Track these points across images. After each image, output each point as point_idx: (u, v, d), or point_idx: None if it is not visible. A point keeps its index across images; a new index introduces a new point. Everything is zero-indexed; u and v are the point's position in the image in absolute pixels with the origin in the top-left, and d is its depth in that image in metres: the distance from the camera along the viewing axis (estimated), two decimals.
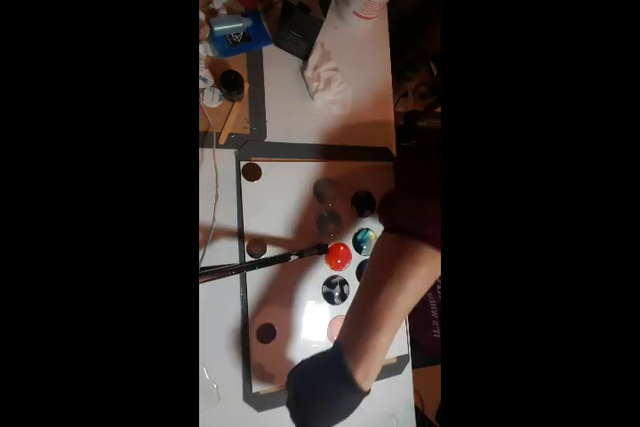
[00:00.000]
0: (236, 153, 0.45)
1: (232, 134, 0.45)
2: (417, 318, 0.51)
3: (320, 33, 0.45)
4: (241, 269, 0.39)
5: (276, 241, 0.45)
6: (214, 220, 0.40)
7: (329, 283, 0.48)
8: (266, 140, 0.47)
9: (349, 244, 0.50)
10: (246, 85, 0.46)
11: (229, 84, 0.42)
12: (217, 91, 0.44)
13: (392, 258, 0.33)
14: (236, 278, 0.43)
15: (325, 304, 0.47)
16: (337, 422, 0.32)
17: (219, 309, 0.42)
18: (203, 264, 0.40)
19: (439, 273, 0.33)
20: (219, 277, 0.38)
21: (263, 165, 0.45)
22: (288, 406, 0.36)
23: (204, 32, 0.44)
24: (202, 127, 0.43)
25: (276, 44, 0.48)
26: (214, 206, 0.40)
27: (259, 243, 0.44)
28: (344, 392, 0.31)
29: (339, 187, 0.49)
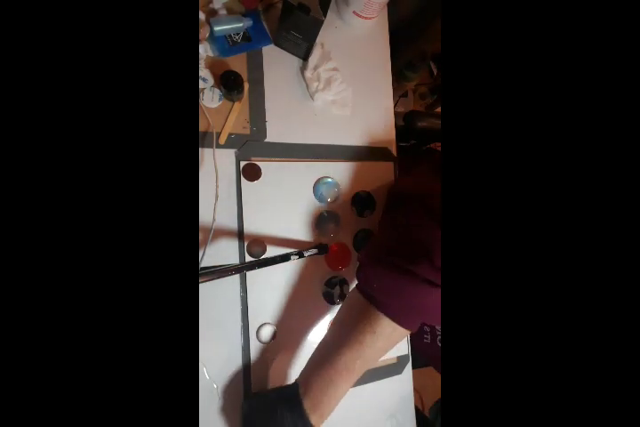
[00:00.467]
0: (236, 153, 0.45)
1: (232, 134, 0.45)
2: None
3: (320, 33, 0.45)
4: (241, 269, 0.39)
5: (275, 241, 0.45)
6: (214, 220, 0.40)
7: (329, 283, 0.48)
8: (266, 141, 0.47)
9: (349, 244, 0.50)
10: (246, 85, 0.46)
11: (229, 84, 0.42)
12: (217, 91, 0.44)
13: (355, 323, 0.36)
14: (235, 278, 0.43)
15: (325, 304, 0.47)
16: None
17: (219, 309, 0.42)
18: (203, 264, 0.40)
19: (396, 343, 0.38)
20: (219, 277, 0.38)
21: (263, 165, 0.45)
22: None
23: (203, 32, 0.44)
24: (202, 127, 0.43)
25: (276, 44, 0.48)
26: (214, 206, 0.40)
27: (259, 243, 0.44)
28: None
29: (339, 187, 0.49)
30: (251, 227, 0.44)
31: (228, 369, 0.42)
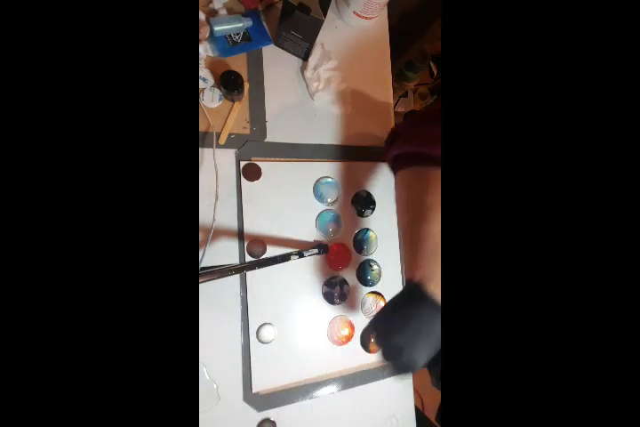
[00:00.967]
0: (236, 153, 0.45)
1: (232, 134, 0.45)
2: None
3: (320, 33, 0.45)
4: (241, 269, 0.39)
5: (275, 241, 0.45)
6: (214, 220, 0.40)
7: (329, 283, 0.48)
8: (266, 140, 0.47)
9: (349, 244, 0.50)
10: (246, 85, 0.46)
11: (229, 84, 0.42)
12: (217, 91, 0.44)
13: (417, 195, 0.35)
14: (235, 278, 0.43)
15: (325, 304, 0.47)
16: (433, 346, 0.31)
17: (219, 309, 0.42)
18: (203, 264, 0.40)
19: None
20: (219, 277, 0.38)
21: (263, 165, 0.45)
22: (380, 344, 0.34)
23: (203, 32, 0.44)
24: (202, 127, 0.43)
25: (276, 44, 0.48)
26: (214, 206, 0.40)
27: (259, 243, 0.44)
28: (433, 313, 0.30)
29: (339, 187, 0.49)
30: (251, 227, 0.44)
31: (227, 369, 0.42)
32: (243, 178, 0.44)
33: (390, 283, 0.51)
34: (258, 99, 0.47)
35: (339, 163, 0.50)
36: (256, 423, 0.42)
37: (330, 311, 0.47)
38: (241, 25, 0.45)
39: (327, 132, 0.50)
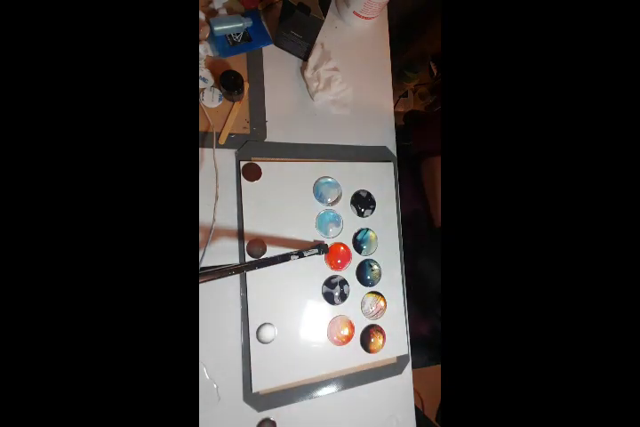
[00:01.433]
0: (236, 153, 0.45)
1: (232, 134, 0.45)
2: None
3: (320, 33, 0.45)
4: (241, 269, 0.39)
5: (276, 241, 0.45)
6: (214, 220, 0.40)
7: (329, 283, 0.48)
8: (266, 140, 0.47)
9: (349, 244, 0.50)
10: (246, 85, 0.46)
11: (229, 84, 0.42)
12: (217, 91, 0.44)
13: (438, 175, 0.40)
14: (235, 278, 0.43)
15: (325, 304, 0.47)
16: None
17: (219, 309, 0.42)
18: (203, 264, 0.40)
19: None
20: (219, 277, 0.38)
21: (263, 165, 0.45)
22: None
23: (203, 32, 0.43)
24: (202, 127, 0.43)
25: (276, 44, 0.48)
26: (214, 206, 0.40)
27: (259, 243, 0.44)
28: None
29: (339, 187, 0.49)
30: (251, 227, 0.44)
31: (227, 369, 0.42)
32: (243, 178, 0.44)
33: (390, 283, 0.51)
34: (258, 99, 0.47)
35: (339, 163, 0.50)
36: (256, 423, 0.42)
37: (330, 311, 0.47)
38: (241, 25, 0.45)
39: (327, 132, 0.50)
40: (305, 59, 0.49)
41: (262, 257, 0.44)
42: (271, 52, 0.48)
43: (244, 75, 0.46)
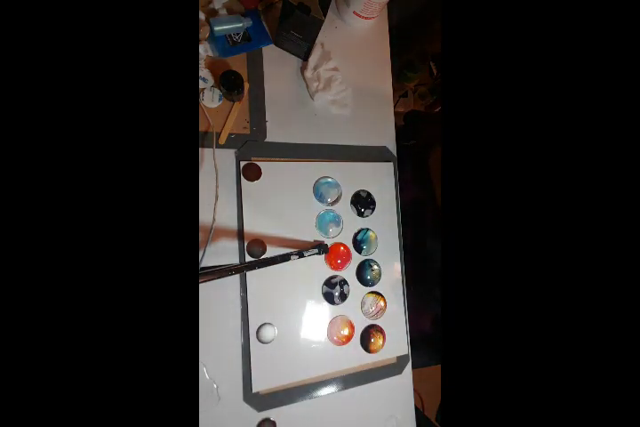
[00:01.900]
0: (236, 153, 0.45)
1: (232, 134, 0.45)
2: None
3: (320, 33, 0.45)
4: (241, 269, 0.39)
5: (275, 241, 0.45)
6: (214, 220, 0.40)
7: (329, 283, 0.48)
8: (266, 140, 0.47)
9: (349, 244, 0.50)
10: (246, 85, 0.46)
11: (229, 84, 0.42)
12: (217, 91, 0.44)
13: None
14: (235, 278, 0.43)
15: (325, 304, 0.47)
16: None
17: (219, 309, 0.42)
18: (203, 264, 0.40)
19: None
20: (219, 277, 0.38)
21: (263, 165, 0.45)
22: None
23: (204, 32, 0.44)
24: (202, 127, 0.43)
25: (276, 44, 0.48)
26: (214, 206, 0.40)
27: (259, 243, 0.44)
28: None
29: (339, 187, 0.49)
30: (251, 227, 0.44)
31: (227, 369, 0.42)
32: (243, 178, 0.44)
33: (390, 283, 0.51)
34: (258, 99, 0.47)
35: (339, 163, 0.50)
36: (256, 423, 0.42)
37: (330, 311, 0.47)
38: (241, 25, 0.45)
39: (327, 132, 0.50)
40: (305, 59, 0.49)
41: (262, 257, 0.44)
42: (271, 52, 0.48)
43: (244, 75, 0.46)
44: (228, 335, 0.42)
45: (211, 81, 0.44)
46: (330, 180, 0.49)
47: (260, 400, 0.43)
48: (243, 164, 0.45)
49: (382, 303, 0.51)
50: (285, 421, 0.44)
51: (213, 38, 0.45)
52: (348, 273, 0.49)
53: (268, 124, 0.47)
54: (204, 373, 0.40)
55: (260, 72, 0.48)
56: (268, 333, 0.44)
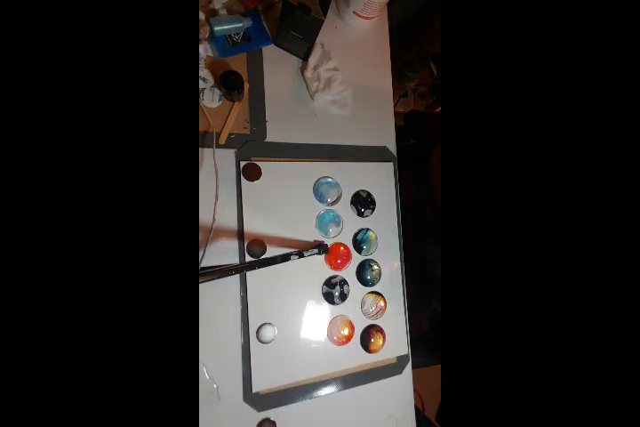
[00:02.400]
0: (235, 153, 0.45)
1: (232, 134, 0.45)
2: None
3: (320, 33, 0.45)
4: (241, 269, 0.39)
5: (275, 241, 0.45)
6: (214, 220, 0.40)
7: (329, 283, 0.48)
8: (266, 140, 0.47)
9: (349, 244, 0.50)
10: (246, 85, 0.46)
11: (229, 84, 0.42)
12: (217, 91, 0.44)
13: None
14: (235, 278, 0.43)
15: (325, 304, 0.47)
16: None
17: (219, 309, 0.42)
18: (203, 264, 0.40)
19: None
20: (219, 277, 0.38)
21: (263, 165, 0.45)
22: None
23: (204, 32, 0.43)
24: (202, 127, 0.43)
25: (276, 44, 0.48)
26: (214, 206, 0.40)
27: (259, 243, 0.44)
28: None
29: (339, 187, 0.49)
30: (251, 227, 0.44)
31: (227, 369, 0.42)
32: (243, 178, 0.44)
33: (390, 283, 0.51)
34: (258, 99, 0.47)
35: (339, 163, 0.50)
36: (256, 423, 0.42)
37: (330, 311, 0.47)
38: (241, 25, 0.45)
39: (327, 132, 0.50)
40: (305, 59, 0.49)
41: (262, 257, 0.44)
42: (271, 52, 0.48)
43: (244, 75, 0.46)
44: (228, 335, 0.42)
45: (211, 81, 0.44)
46: (330, 180, 0.49)
47: (259, 400, 0.43)
48: (243, 164, 0.45)
49: (382, 303, 0.51)
50: (285, 421, 0.44)
51: (213, 38, 0.45)
52: (348, 273, 0.49)
53: (268, 124, 0.47)
54: (204, 373, 0.40)
55: (260, 72, 0.48)
56: (267, 333, 0.44)
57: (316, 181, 0.48)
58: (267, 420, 0.43)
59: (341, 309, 0.48)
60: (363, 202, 0.51)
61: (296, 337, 0.45)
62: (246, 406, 0.42)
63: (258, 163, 0.45)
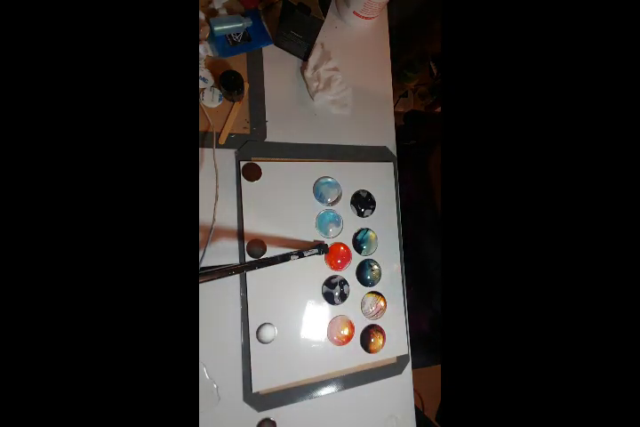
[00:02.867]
0: (235, 153, 0.45)
1: (232, 134, 0.45)
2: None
3: (320, 33, 0.45)
4: (241, 269, 0.39)
5: (276, 241, 0.45)
6: (214, 220, 0.40)
7: (329, 283, 0.48)
8: (266, 140, 0.47)
9: (349, 244, 0.50)
10: (246, 85, 0.46)
11: (229, 84, 0.42)
12: (217, 91, 0.44)
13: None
14: (235, 278, 0.43)
15: (325, 304, 0.47)
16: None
17: (219, 309, 0.42)
18: (203, 264, 0.40)
19: None
20: (219, 277, 0.38)
21: (263, 165, 0.45)
22: None
23: (204, 32, 0.43)
24: (202, 127, 0.43)
25: (276, 44, 0.48)
26: (214, 206, 0.40)
27: (259, 243, 0.44)
28: None
29: (339, 187, 0.49)
30: (251, 227, 0.44)
31: (227, 369, 0.42)
32: (243, 178, 0.44)
33: (390, 283, 0.51)
34: (258, 99, 0.47)
35: (339, 163, 0.50)
36: (256, 423, 0.42)
37: (330, 311, 0.47)
38: (241, 25, 0.45)
39: (327, 132, 0.50)
40: (305, 59, 0.49)
41: (262, 257, 0.44)
42: (271, 52, 0.48)
43: (244, 75, 0.46)
44: (228, 335, 0.42)
45: (211, 81, 0.44)
46: (330, 180, 0.49)
47: (259, 400, 0.43)
48: (243, 164, 0.45)
49: (382, 303, 0.51)
50: (285, 421, 0.44)
51: (213, 38, 0.45)
52: (348, 273, 0.49)
53: (268, 124, 0.47)
54: (204, 373, 0.40)
55: (260, 72, 0.48)
56: (267, 333, 0.44)
57: (316, 181, 0.48)
58: (267, 420, 0.43)
59: (341, 309, 0.48)
60: (363, 202, 0.51)
61: (296, 337, 0.45)
62: (246, 406, 0.42)
63: (258, 163, 0.45)
